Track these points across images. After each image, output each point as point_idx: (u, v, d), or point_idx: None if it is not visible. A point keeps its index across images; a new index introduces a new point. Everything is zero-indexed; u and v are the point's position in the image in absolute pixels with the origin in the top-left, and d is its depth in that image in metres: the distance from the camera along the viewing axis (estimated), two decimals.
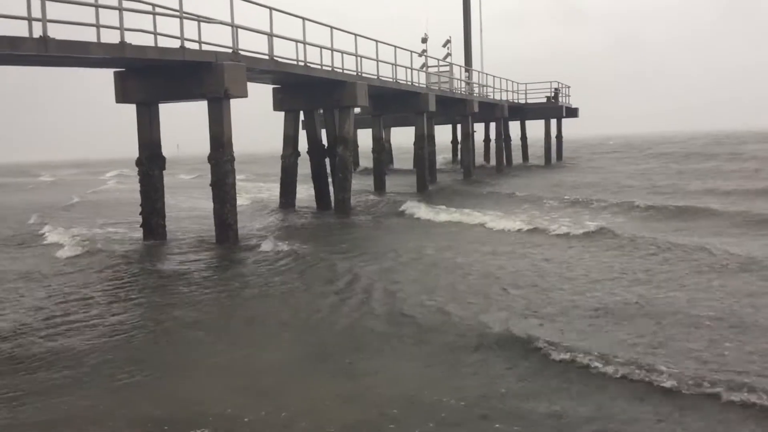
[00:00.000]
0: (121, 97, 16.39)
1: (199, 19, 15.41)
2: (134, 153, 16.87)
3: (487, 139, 46.17)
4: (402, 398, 6.33)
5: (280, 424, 5.94)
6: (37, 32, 11.85)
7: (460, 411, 6.02)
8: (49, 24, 11.98)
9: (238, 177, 16.83)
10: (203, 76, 15.28)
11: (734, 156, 46.04)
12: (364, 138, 35.98)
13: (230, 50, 15.86)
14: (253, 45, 17.11)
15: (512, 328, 8.15)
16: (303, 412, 6.15)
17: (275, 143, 23.35)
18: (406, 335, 8.29)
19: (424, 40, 36.71)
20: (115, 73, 16.33)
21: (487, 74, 38.75)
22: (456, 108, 33.07)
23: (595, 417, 5.81)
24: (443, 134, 44.72)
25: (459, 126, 41.01)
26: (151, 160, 16.54)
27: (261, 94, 22.25)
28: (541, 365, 7.05)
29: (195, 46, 15.22)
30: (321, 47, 20.16)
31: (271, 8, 17.45)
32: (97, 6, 13.20)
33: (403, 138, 41.88)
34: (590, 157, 55.94)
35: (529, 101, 44.28)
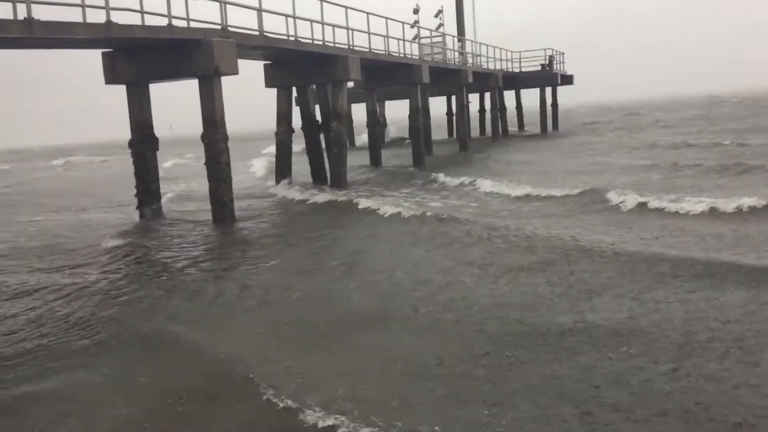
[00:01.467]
0: (110, 78, 16.20)
1: None
2: (126, 135, 16.72)
3: (482, 110, 45.88)
4: None
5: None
6: (22, 14, 11.65)
7: None
8: (33, 5, 11.77)
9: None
10: (193, 54, 15.08)
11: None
12: (358, 113, 35.74)
13: (219, 27, 15.63)
14: (242, 21, 16.85)
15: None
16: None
17: (268, 122, 23.19)
18: None
19: (416, 11, 36.31)
20: (103, 53, 16.12)
21: (480, 44, 38.43)
22: (450, 79, 32.82)
23: None
24: (438, 106, 44.54)
25: (454, 98, 40.74)
26: (143, 142, 16.40)
27: (252, 71, 22.03)
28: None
29: (183, 23, 15.01)
30: (311, 21, 19.90)
31: None
32: None
33: (397, 112, 41.75)
34: (585, 125, 55.69)
35: (523, 70, 43.92)
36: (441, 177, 21.44)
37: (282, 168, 22.15)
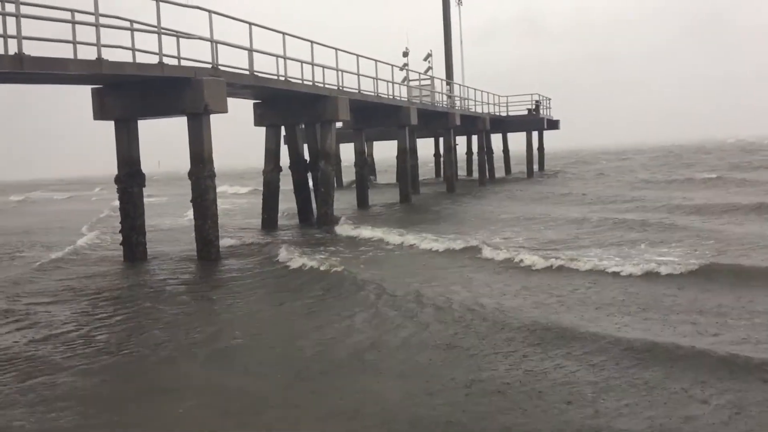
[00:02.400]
0: (99, 113, 16.21)
1: (178, 34, 15.30)
2: (112, 171, 16.67)
3: (469, 152, 46.27)
4: None
5: None
6: (13, 49, 11.69)
7: None
8: (24, 41, 11.82)
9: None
10: (182, 92, 15.16)
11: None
12: (347, 152, 35.95)
13: (210, 66, 15.75)
14: (232, 60, 17.00)
15: None
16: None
17: (256, 159, 23.21)
18: None
19: (405, 54, 36.91)
20: (92, 89, 16.15)
21: (468, 87, 38.91)
22: (438, 121, 33.15)
23: None
24: (426, 148, 44.90)
25: (441, 139, 41.09)
26: (130, 177, 16.35)
27: (241, 109, 22.17)
28: None
29: (174, 61, 15.11)
30: (301, 62, 20.11)
31: (250, 23, 17.39)
32: (73, 22, 13.06)
33: (385, 152, 41.95)
34: (571, 170, 56.09)
35: (510, 114, 44.44)
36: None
37: (268, 206, 22.11)
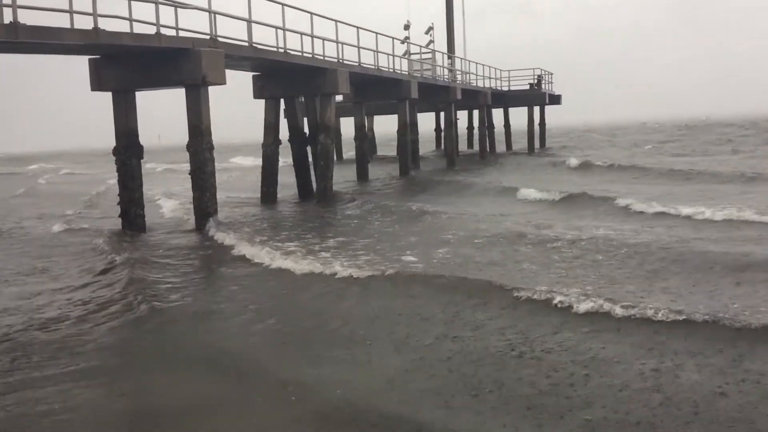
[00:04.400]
0: (97, 84, 16.09)
1: (176, 4, 15.13)
2: (110, 143, 16.59)
3: (470, 127, 46.02)
4: None
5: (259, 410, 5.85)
6: (7, 18, 11.56)
7: None
8: (19, 9, 11.69)
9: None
10: (180, 63, 15.04)
11: None
12: (347, 126, 35.67)
13: (208, 37, 15.60)
14: (231, 31, 16.85)
15: None
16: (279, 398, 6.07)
17: (255, 132, 23.06)
18: None
19: (407, 27, 36.52)
20: (90, 60, 16.02)
21: (470, 61, 38.61)
22: (439, 95, 32.95)
23: None
24: (426, 122, 44.70)
25: (442, 114, 40.85)
26: (128, 149, 16.28)
27: (241, 81, 22.00)
28: None
29: (172, 32, 14.96)
30: (301, 34, 19.93)
31: None
32: None
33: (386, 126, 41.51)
34: (573, 144, 55.99)
35: (512, 88, 44.10)
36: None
37: (268, 180, 22.04)
